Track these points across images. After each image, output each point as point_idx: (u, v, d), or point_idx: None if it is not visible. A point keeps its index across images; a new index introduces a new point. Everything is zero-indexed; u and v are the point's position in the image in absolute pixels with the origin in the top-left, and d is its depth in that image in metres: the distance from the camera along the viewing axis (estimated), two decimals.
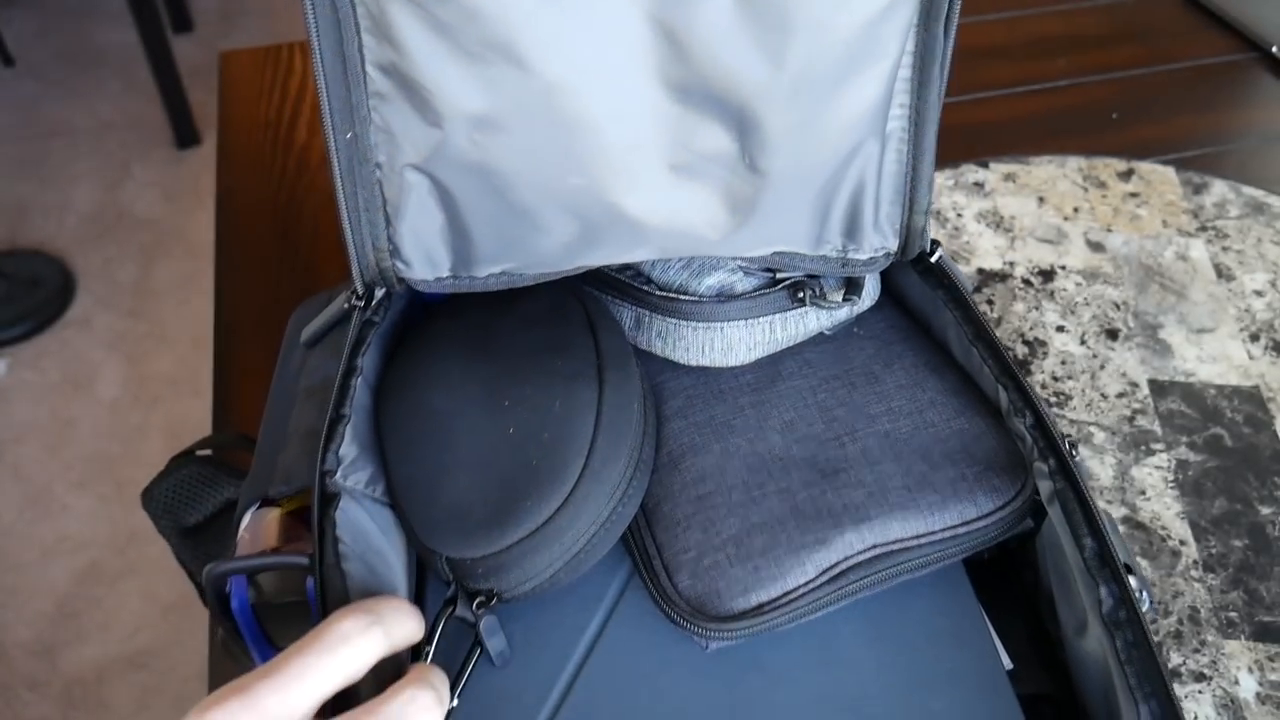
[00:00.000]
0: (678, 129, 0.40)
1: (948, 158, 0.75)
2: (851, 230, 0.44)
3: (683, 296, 0.46)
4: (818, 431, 0.46)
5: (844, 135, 0.41)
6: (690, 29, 0.38)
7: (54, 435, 1.64)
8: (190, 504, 0.51)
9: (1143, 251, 0.70)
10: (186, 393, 1.68)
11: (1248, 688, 0.50)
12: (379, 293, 0.44)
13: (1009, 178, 0.75)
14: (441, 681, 0.35)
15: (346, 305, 0.44)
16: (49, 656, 1.39)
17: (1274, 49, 0.86)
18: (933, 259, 0.46)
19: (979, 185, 0.75)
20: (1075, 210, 0.73)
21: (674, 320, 0.46)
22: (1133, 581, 0.38)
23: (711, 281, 0.46)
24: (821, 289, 0.47)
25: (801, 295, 0.46)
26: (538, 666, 0.41)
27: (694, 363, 0.47)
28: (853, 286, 0.48)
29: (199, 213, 1.98)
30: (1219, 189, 0.74)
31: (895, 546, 0.42)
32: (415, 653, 0.38)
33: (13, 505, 1.55)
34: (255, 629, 0.40)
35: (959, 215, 0.73)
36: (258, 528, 0.42)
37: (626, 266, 0.47)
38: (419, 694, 0.33)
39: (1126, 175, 0.75)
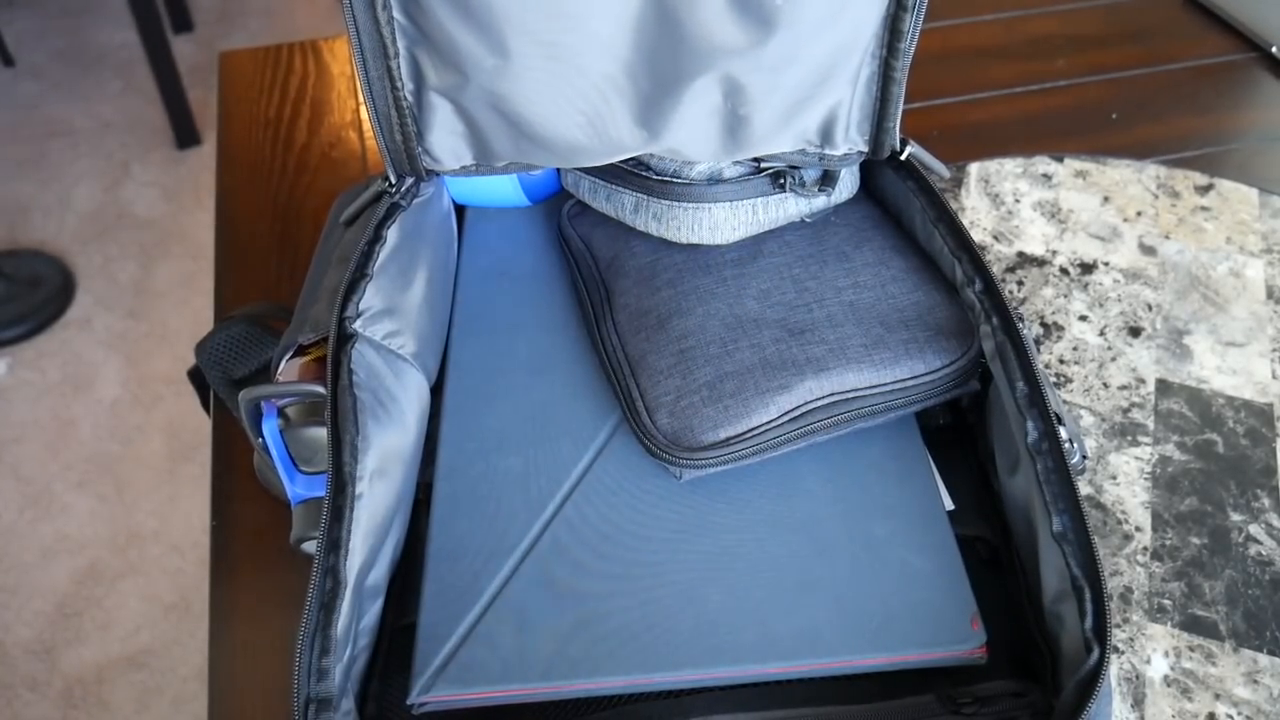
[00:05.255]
0: (668, 84, 0.46)
1: (949, 157, 0.75)
2: (826, 138, 0.51)
3: (676, 180, 0.52)
4: (790, 299, 0.51)
5: (818, 88, 0.48)
6: (688, 11, 0.43)
7: (54, 435, 1.64)
8: (238, 359, 0.58)
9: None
10: (186, 392, 1.68)
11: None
12: (408, 181, 0.51)
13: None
14: None
15: (379, 189, 0.51)
16: (49, 656, 1.39)
17: (1274, 49, 0.86)
18: (903, 156, 0.52)
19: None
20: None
21: (668, 202, 0.53)
22: (1062, 431, 0.42)
23: (702, 167, 0.52)
24: (801, 178, 0.53)
25: (782, 182, 0.53)
26: (535, 489, 0.48)
27: (685, 240, 0.53)
28: (828, 179, 0.54)
29: (199, 213, 1.98)
30: None
31: (850, 395, 0.48)
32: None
33: (13, 505, 1.55)
34: (283, 449, 0.47)
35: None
36: (290, 371, 0.50)
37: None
38: None
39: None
